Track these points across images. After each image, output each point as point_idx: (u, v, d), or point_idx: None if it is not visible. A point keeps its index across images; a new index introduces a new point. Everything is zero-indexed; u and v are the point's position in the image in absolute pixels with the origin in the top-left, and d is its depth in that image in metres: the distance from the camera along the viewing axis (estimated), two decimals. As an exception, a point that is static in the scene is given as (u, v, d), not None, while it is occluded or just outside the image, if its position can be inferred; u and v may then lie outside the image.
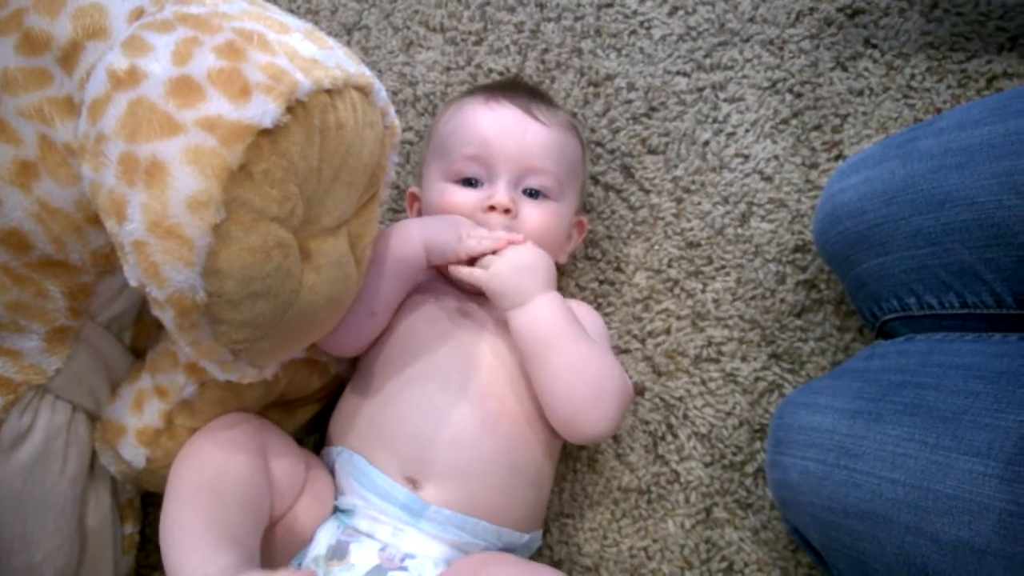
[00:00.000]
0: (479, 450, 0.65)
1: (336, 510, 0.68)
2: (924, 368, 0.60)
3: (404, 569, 0.62)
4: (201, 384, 0.64)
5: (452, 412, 0.66)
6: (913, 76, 0.86)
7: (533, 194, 0.74)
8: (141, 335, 0.70)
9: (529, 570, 0.61)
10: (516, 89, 0.79)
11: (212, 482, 0.60)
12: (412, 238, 0.70)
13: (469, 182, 0.74)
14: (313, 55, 0.55)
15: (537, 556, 0.75)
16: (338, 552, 0.63)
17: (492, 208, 0.72)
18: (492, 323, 0.72)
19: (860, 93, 0.86)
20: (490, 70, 0.94)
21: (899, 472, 0.55)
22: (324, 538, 0.65)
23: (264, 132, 0.50)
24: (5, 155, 0.56)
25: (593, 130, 0.89)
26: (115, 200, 0.51)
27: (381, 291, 0.69)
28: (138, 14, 0.55)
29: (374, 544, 0.63)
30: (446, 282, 0.75)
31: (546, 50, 0.93)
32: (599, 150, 0.88)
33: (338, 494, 0.68)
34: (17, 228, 0.57)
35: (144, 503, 0.77)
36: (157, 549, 0.76)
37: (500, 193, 0.72)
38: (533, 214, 0.73)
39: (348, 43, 0.97)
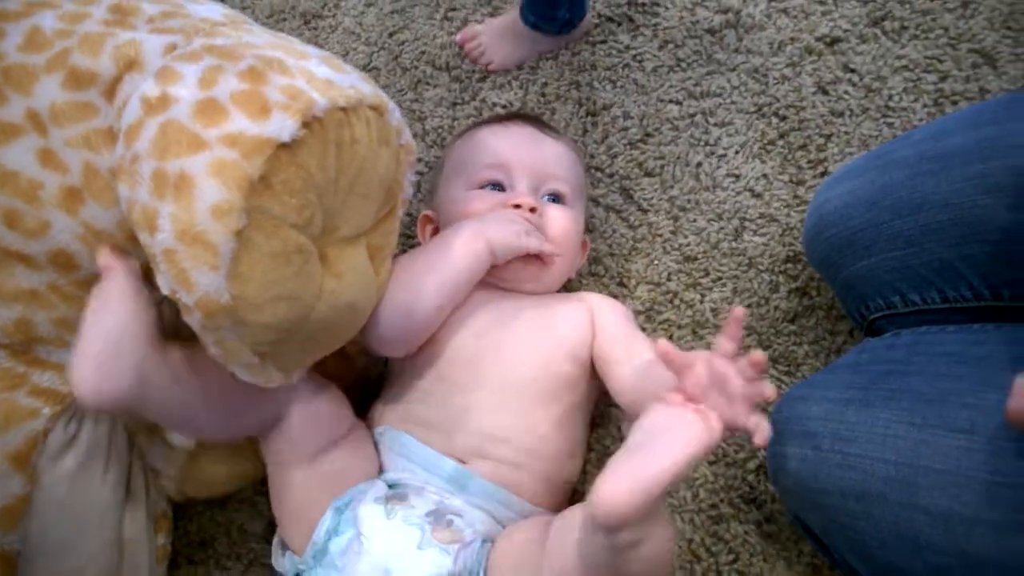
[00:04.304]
0: (519, 448, 0.70)
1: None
2: (910, 358, 0.64)
3: (460, 515, 0.66)
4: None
5: (504, 407, 0.71)
6: (891, 97, 0.92)
7: (553, 199, 0.80)
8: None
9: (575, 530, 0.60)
10: (525, 116, 0.86)
11: None
12: (477, 238, 0.73)
13: (492, 188, 0.79)
14: (329, 77, 0.61)
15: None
16: (399, 496, 0.67)
17: (517, 206, 0.76)
18: (531, 316, 0.76)
19: (841, 114, 0.92)
20: (494, 104, 1.00)
21: (890, 452, 0.59)
22: (381, 487, 0.68)
23: (283, 146, 0.55)
24: (53, 182, 0.61)
25: (593, 156, 0.94)
26: (148, 214, 0.55)
27: (451, 290, 0.73)
28: (171, 48, 0.61)
29: (430, 496, 0.68)
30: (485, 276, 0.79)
31: (546, 84, 0.99)
32: (599, 174, 0.94)
33: (381, 471, 0.72)
34: (64, 249, 0.62)
35: (176, 518, 0.80)
36: (184, 561, 0.81)
37: (524, 195, 0.77)
38: (556, 215, 0.79)
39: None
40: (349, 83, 0.61)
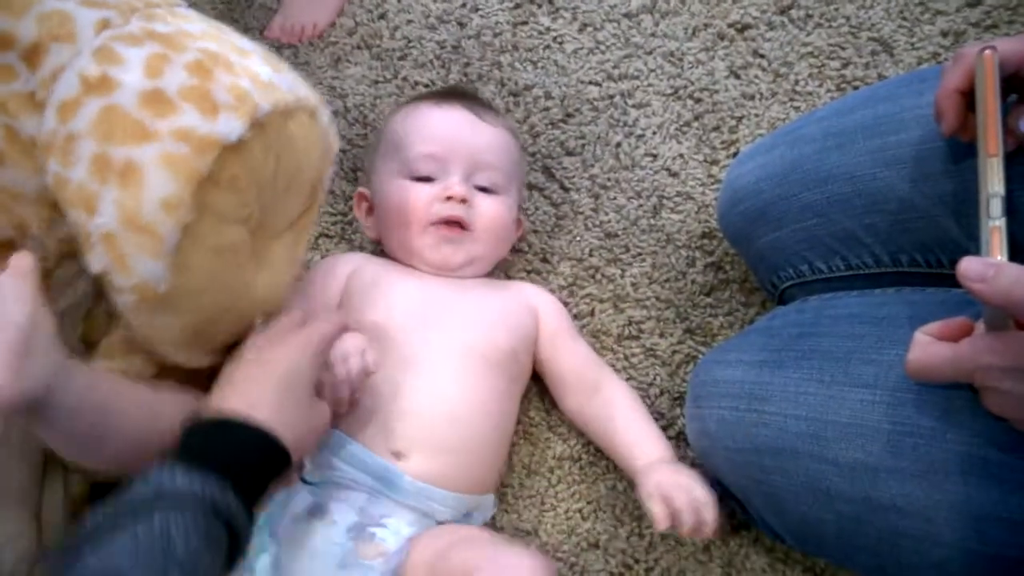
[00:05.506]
0: (466, 427, 0.71)
1: (303, 482, 0.71)
2: (818, 320, 0.68)
3: (383, 526, 0.66)
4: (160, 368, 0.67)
5: (447, 378, 0.72)
6: (797, 82, 0.96)
7: (484, 189, 0.81)
8: (90, 330, 0.72)
9: (485, 548, 0.64)
10: (463, 95, 0.87)
11: None
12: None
13: (425, 178, 0.80)
14: (270, 79, 0.61)
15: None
16: (318, 510, 0.66)
17: (449, 198, 0.78)
18: (468, 296, 0.78)
19: (752, 98, 0.96)
20: (416, 83, 1.00)
21: (801, 408, 0.62)
22: (301, 500, 0.67)
23: (230, 146, 0.56)
24: None
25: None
26: (85, 194, 0.55)
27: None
28: (104, 24, 0.59)
29: (353, 504, 0.67)
30: (412, 268, 0.81)
31: (468, 64, 1.00)
32: (522, 153, 0.95)
33: (302, 469, 0.70)
34: None
35: (93, 499, 0.77)
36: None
37: (456, 185, 0.79)
38: (485, 204, 0.80)
39: (279, 59, 1.02)
40: (288, 86, 0.62)
